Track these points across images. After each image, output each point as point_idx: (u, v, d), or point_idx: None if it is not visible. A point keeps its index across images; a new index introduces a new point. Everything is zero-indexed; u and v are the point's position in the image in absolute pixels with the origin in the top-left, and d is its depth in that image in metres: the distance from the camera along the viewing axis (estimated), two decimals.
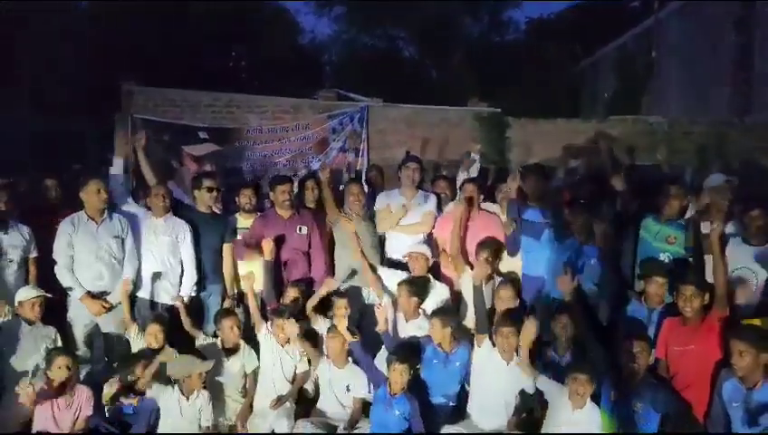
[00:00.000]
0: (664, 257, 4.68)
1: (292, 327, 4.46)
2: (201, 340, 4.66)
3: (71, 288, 4.58)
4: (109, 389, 4.13)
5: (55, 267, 4.60)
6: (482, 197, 5.25)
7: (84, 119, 10.36)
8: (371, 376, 4.31)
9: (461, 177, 6.06)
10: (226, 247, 5.11)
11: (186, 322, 4.68)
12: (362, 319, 4.88)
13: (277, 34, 18.32)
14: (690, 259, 4.61)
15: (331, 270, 5.26)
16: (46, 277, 4.67)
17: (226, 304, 5.02)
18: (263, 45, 18.22)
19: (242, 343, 4.65)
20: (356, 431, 4.15)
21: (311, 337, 4.67)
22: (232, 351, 4.59)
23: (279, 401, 4.37)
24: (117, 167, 4.96)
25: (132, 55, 11.60)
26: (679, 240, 4.71)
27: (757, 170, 7.95)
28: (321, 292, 4.80)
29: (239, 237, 5.18)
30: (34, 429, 3.94)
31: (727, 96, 12.00)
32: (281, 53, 18.22)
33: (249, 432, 4.29)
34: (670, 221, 4.75)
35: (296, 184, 5.66)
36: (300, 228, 5.13)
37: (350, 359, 4.47)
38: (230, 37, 16.97)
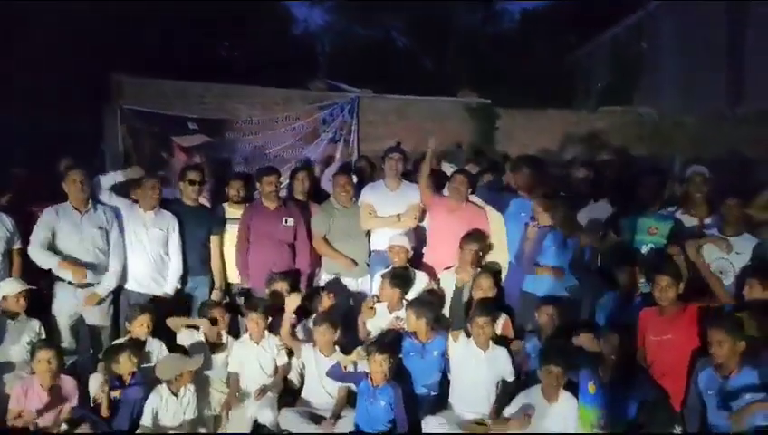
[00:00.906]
0: (646, 249, 4.70)
1: (292, 303, 4.55)
2: (183, 334, 4.65)
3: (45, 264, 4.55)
4: (97, 387, 4.13)
5: (29, 248, 4.57)
6: (470, 190, 5.25)
7: (72, 109, 10.31)
8: (350, 381, 4.33)
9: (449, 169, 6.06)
10: (214, 239, 5.13)
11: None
12: (348, 313, 4.92)
13: (269, 25, 18.25)
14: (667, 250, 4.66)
15: (316, 262, 5.30)
16: (30, 269, 4.67)
17: (215, 295, 5.04)
18: (255, 36, 18.12)
19: (225, 335, 4.69)
20: (338, 431, 4.12)
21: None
22: (216, 344, 4.63)
23: (262, 391, 4.40)
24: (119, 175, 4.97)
25: (122, 46, 11.54)
26: (661, 231, 4.73)
27: (743, 162, 7.98)
28: (288, 313, 4.67)
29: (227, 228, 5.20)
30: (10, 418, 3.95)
31: (718, 87, 12.03)
32: (273, 44, 18.15)
33: (232, 423, 4.30)
34: (652, 212, 4.79)
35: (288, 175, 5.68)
36: (286, 220, 5.14)
37: (336, 347, 4.49)
38: (222, 27, 16.88)
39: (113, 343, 4.46)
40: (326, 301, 4.78)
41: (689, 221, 4.74)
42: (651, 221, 4.74)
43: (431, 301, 4.60)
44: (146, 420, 4.03)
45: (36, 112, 9.12)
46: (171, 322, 4.65)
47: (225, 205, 5.35)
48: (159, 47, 13.00)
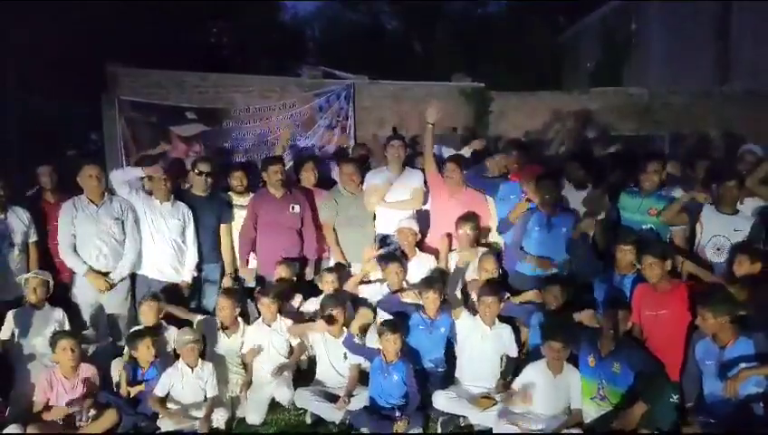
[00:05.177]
0: (645, 229, 4.81)
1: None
2: (199, 319, 4.82)
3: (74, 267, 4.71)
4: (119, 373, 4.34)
5: (59, 248, 4.73)
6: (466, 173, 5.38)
7: (69, 100, 10.34)
8: (365, 355, 4.51)
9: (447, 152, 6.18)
10: (224, 227, 5.27)
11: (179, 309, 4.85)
12: (356, 296, 5.06)
13: (258, 10, 18.14)
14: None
15: (323, 248, 5.45)
16: (47, 261, 4.82)
17: (226, 282, 5.19)
18: (244, 21, 18.02)
19: (239, 320, 4.83)
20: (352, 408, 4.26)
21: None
22: (230, 327, 4.78)
23: (280, 370, 4.58)
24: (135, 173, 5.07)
25: (115, 35, 11.51)
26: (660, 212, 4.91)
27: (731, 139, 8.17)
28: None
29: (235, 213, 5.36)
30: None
31: (706, 67, 12.20)
32: (262, 29, 18.08)
33: (249, 403, 4.46)
34: (651, 193, 4.90)
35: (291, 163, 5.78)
36: (293, 207, 5.28)
37: (344, 329, 4.65)
38: (211, 13, 16.78)
39: (133, 329, 4.60)
40: (332, 284, 4.94)
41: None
42: (651, 202, 4.85)
43: (441, 280, 4.78)
44: (159, 391, 4.21)
45: (35, 102, 9.18)
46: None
47: (231, 194, 5.49)
48: (149, 35, 12.95)
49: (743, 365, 3.66)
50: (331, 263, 5.35)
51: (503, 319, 4.59)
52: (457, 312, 4.58)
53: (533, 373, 4.14)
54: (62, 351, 4.14)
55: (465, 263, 4.69)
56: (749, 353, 3.71)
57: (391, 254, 4.97)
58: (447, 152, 5.97)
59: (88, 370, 4.26)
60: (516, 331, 4.62)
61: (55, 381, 4.16)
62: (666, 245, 4.63)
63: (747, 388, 3.66)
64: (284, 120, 9.20)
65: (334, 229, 5.35)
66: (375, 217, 5.41)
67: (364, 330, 4.73)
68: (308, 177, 5.68)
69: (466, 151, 5.96)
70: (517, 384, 4.16)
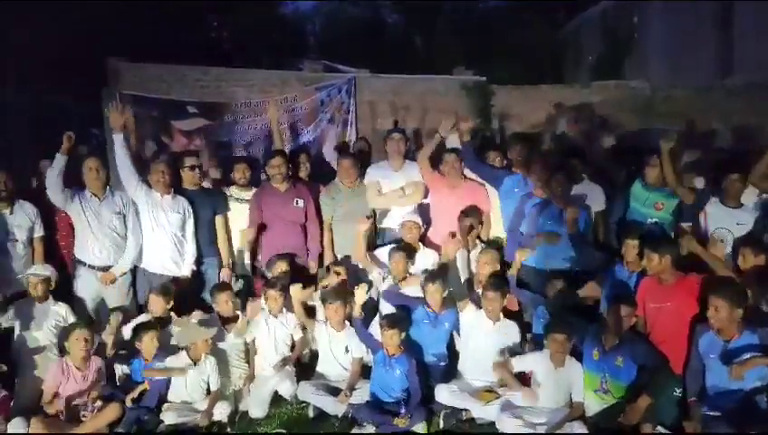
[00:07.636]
0: (650, 223, 4.84)
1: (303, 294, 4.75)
2: (198, 315, 4.80)
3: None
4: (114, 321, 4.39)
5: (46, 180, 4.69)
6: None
7: (68, 95, 10.34)
8: (369, 345, 4.54)
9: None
10: (219, 220, 5.28)
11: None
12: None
13: (259, 5, 18.11)
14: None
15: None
16: (52, 256, 4.82)
17: (223, 274, 5.20)
18: (244, 15, 17.99)
19: (239, 313, 4.81)
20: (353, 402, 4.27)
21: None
22: (230, 321, 4.78)
23: (283, 363, 4.60)
24: (119, 143, 4.96)
25: (116, 31, 11.50)
26: (667, 206, 4.90)
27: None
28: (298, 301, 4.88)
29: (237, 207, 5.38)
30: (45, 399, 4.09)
31: (708, 59, 12.15)
32: (263, 25, 18.06)
33: (252, 396, 4.47)
34: (657, 188, 4.91)
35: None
36: (296, 201, 5.29)
37: (347, 322, 4.68)
38: (211, 9, 16.76)
39: (138, 321, 4.60)
40: (335, 277, 4.95)
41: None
42: (658, 196, 4.88)
43: (446, 275, 4.78)
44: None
45: (36, 96, 9.16)
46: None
47: (232, 188, 5.50)
48: (149, 29, 12.94)
49: (751, 354, 3.65)
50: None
51: (509, 315, 4.59)
52: (463, 304, 4.58)
53: (534, 363, 4.16)
54: (75, 341, 4.15)
55: (447, 258, 4.65)
56: (754, 347, 3.70)
57: (399, 245, 4.96)
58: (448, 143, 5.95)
59: (97, 363, 4.27)
60: (522, 327, 4.61)
61: (68, 371, 4.16)
62: (669, 239, 4.61)
63: (750, 382, 3.66)
64: (286, 114, 9.15)
65: (331, 228, 5.36)
66: (377, 211, 5.41)
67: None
68: (303, 169, 5.69)
69: (455, 139, 5.57)
70: (516, 365, 4.21)
